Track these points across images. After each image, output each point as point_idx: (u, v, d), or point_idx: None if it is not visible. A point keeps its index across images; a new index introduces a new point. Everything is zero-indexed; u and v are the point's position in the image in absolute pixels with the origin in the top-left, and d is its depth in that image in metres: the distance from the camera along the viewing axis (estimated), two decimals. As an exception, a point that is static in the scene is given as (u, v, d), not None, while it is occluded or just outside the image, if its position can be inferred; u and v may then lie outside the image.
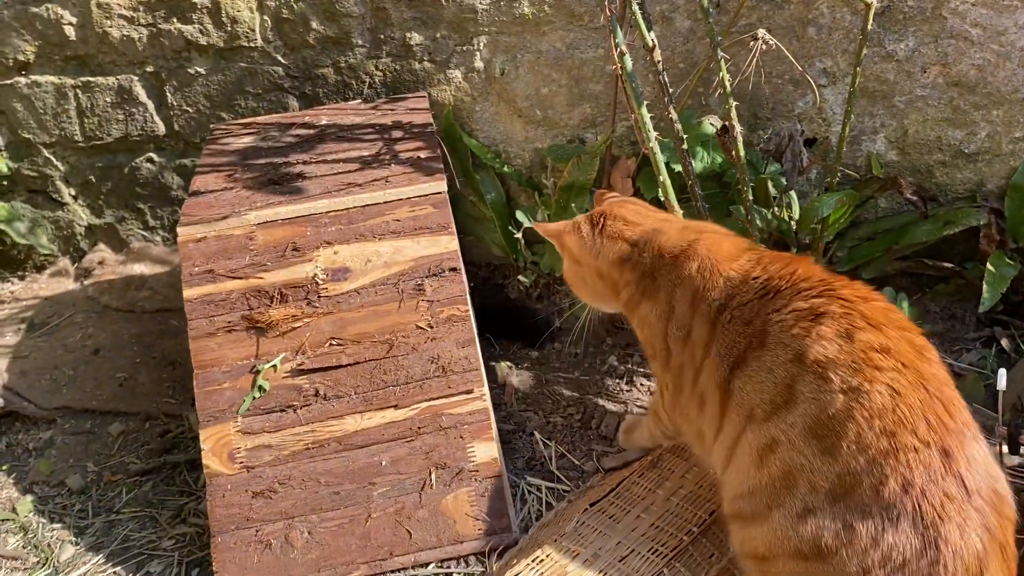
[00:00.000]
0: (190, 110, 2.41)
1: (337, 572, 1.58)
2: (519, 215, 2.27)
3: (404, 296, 1.68)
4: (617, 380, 2.10)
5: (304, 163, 1.88)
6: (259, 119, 2.16)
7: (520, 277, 2.34)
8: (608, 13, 1.57)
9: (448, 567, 1.61)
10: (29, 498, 1.96)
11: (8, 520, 1.91)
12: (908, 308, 2.06)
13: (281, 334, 1.65)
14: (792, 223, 2.02)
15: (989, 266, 1.99)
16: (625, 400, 2.03)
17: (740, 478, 1.34)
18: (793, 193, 2.04)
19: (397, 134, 1.96)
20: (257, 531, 1.58)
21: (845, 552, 1.20)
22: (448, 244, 1.71)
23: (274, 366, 1.64)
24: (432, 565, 1.61)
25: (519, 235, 2.24)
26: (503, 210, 2.32)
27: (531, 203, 2.34)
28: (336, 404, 1.63)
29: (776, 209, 2.00)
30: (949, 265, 2.15)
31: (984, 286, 1.97)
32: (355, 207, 1.72)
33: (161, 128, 2.45)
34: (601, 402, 2.02)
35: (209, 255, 1.68)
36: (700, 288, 1.45)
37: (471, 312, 1.70)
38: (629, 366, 2.13)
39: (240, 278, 1.67)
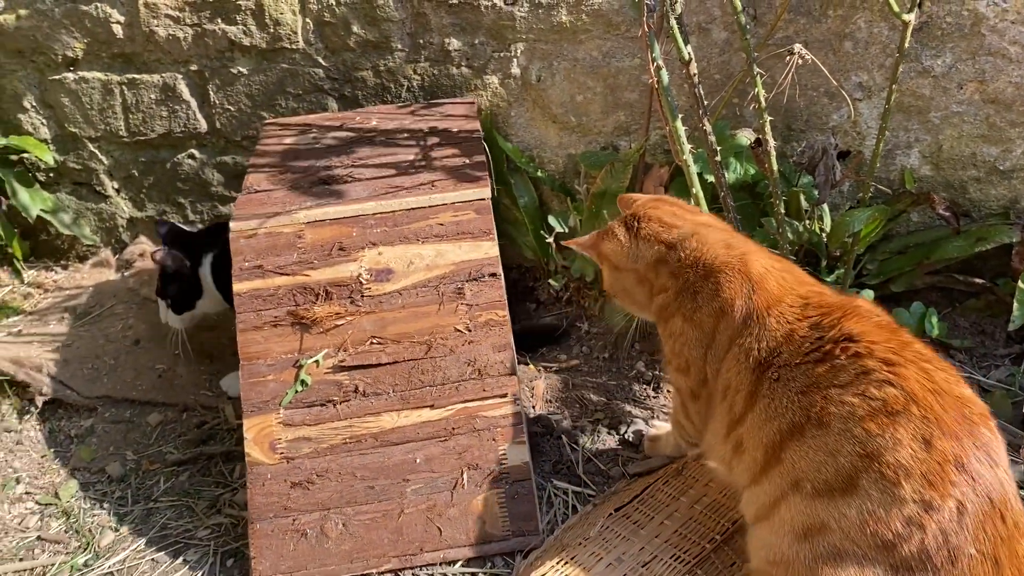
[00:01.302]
0: (232, 109, 2.46)
1: (369, 564, 1.62)
2: (551, 220, 2.30)
3: (444, 299, 1.72)
4: (644, 386, 2.13)
5: (351, 165, 1.92)
6: (308, 118, 2.21)
7: (551, 281, 2.37)
8: (646, 28, 1.60)
9: (473, 566, 1.65)
10: (72, 483, 2.02)
11: (51, 504, 1.97)
12: (938, 323, 2.08)
13: (324, 331, 1.70)
14: (823, 236, 2.04)
15: (1021, 283, 2.01)
16: (651, 406, 2.06)
17: (776, 542, 1.34)
18: (825, 206, 2.06)
19: (443, 139, 2.00)
20: (294, 520, 1.62)
21: None
22: (489, 250, 1.75)
23: (316, 361, 1.68)
24: (459, 563, 1.65)
25: (551, 239, 2.28)
26: (535, 214, 2.35)
27: (563, 208, 2.37)
28: (374, 401, 1.68)
29: (808, 222, 2.02)
30: (980, 281, 2.17)
31: (1015, 304, 1.98)
32: (400, 210, 1.76)
33: (203, 125, 2.51)
34: (628, 407, 2.05)
35: (259, 251, 1.73)
36: (740, 327, 1.43)
37: (508, 317, 1.73)
38: (656, 372, 2.16)
39: (288, 275, 1.72)
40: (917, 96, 2.08)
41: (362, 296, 1.73)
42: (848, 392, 1.29)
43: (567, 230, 2.30)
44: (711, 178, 1.99)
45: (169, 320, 2.20)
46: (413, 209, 1.77)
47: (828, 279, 2.09)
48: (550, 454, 1.92)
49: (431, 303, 1.73)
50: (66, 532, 1.91)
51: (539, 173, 2.33)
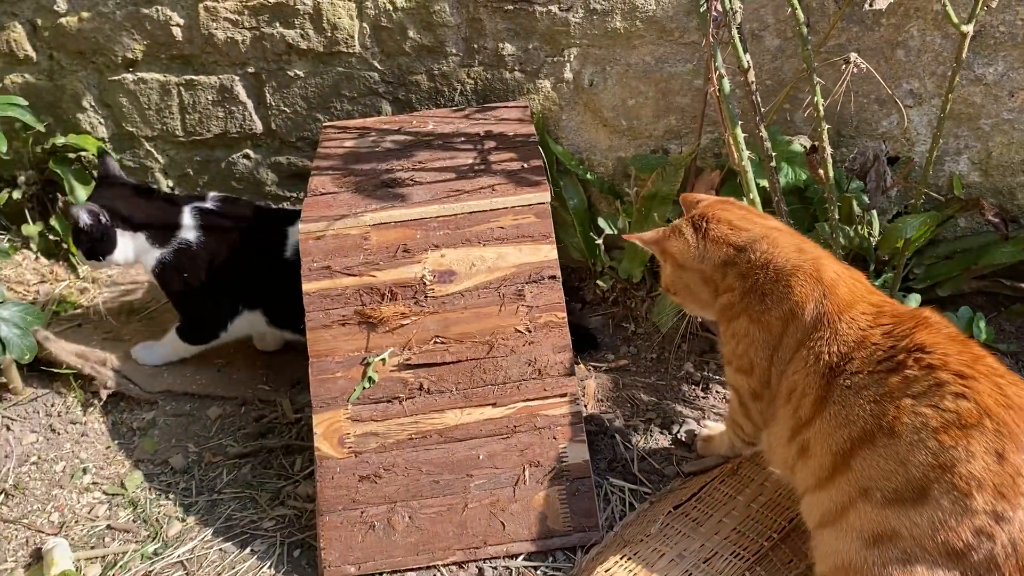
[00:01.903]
0: (287, 110, 2.52)
1: (435, 556, 1.68)
2: (601, 221, 2.35)
3: (505, 300, 1.77)
4: (693, 386, 2.17)
5: (412, 168, 1.97)
6: (366, 122, 2.26)
7: (598, 282, 2.42)
8: (710, 39, 1.64)
9: (535, 560, 1.70)
10: (136, 474, 2.08)
11: (118, 494, 2.04)
12: (986, 328, 2.10)
13: (390, 330, 1.75)
14: (872, 240, 2.07)
15: (1069, 289, 2.03)
16: (701, 407, 2.10)
17: (844, 548, 1.38)
18: (874, 212, 2.09)
19: (500, 143, 2.05)
20: (362, 513, 1.68)
21: None
22: (548, 253, 1.79)
23: (383, 359, 1.74)
24: (521, 557, 1.70)
25: (600, 241, 2.33)
26: (584, 216, 2.40)
27: (611, 210, 2.41)
28: (438, 398, 1.73)
29: (859, 227, 2.05)
30: (1026, 286, 2.19)
31: (1064, 309, 2.00)
32: (462, 213, 1.81)
33: (259, 126, 2.57)
34: (678, 407, 2.09)
35: (327, 252, 1.78)
36: (810, 330, 1.46)
37: (566, 319, 1.78)
38: (705, 373, 2.20)
39: (355, 275, 1.77)
40: (968, 103, 2.11)
41: (426, 297, 1.78)
42: (922, 403, 1.33)
43: (616, 231, 2.34)
44: (763, 182, 2.03)
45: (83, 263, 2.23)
46: (474, 212, 1.82)
47: (875, 283, 2.12)
48: (605, 452, 1.96)
49: (492, 304, 1.78)
50: (134, 522, 1.97)
51: (588, 176, 2.37)
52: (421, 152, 2.06)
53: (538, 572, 1.68)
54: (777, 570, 1.55)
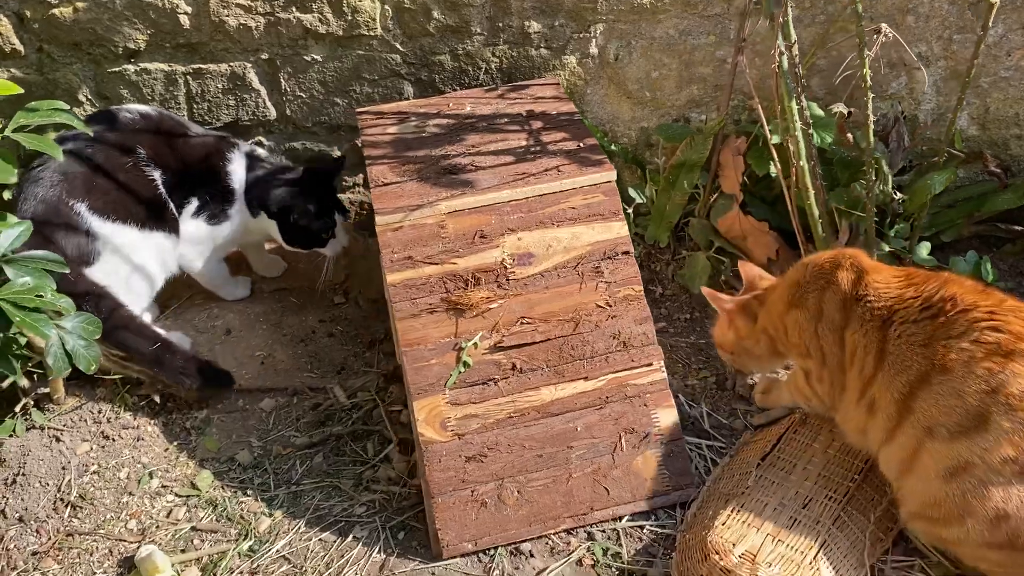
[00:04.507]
0: (303, 95, 2.49)
1: (547, 526, 1.77)
2: (631, 191, 2.43)
3: (584, 278, 1.85)
4: (733, 342, 2.30)
5: (468, 153, 2.00)
6: (400, 105, 2.27)
7: (628, 248, 2.51)
8: (780, 20, 1.73)
9: (639, 520, 1.82)
10: (205, 473, 2.08)
11: (192, 495, 2.04)
12: (991, 270, 2.30)
13: (477, 314, 1.81)
14: (894, 196, 2.23)
15: (1065, 230, 2.25)
16: (746, 361, 2.24)
17: (925, 488, 1.56)
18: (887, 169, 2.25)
19: (546, 123, 2.10)
20: (472, 491, 1.75)
21: None
22: (620, 229, 1.87)
23: (475, 344, 1.79)
24: (626, 519, 1.81)
25: (630, 210, 2.42)
26: (611, 186, 2.48)
27: (635, 179, 2.50)
28: (532, 377, 1.80)
29: (882, 185, 2.20)
30: (1019, 228, 2.40)
31: (1064, 248, 2.22)
32: (533, 196, 1.87)
33: (272, 113, 2.53)
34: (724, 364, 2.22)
35: (406, 243, 1.81)
36: (850, 294, 1.67)
37: (643, 291, 1.87)
38: (741, 329, 2.34)
39: (436, 264, 1.81)
40: (971, 63, 2.27)
41: (507, 280, 1.83)
42: (964, 340, 1.53)
43: (645, 200, 2.44)
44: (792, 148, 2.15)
45: None
46: (545, 195, 1.88)
47: (890, 233, 2.30)
48: (674, 412, 2.08)
49: (572, 283, 1.85)
50: (217, 521, 1.98)
51: (612, 147, 2.45)
52: (470, 136, 2.09)
53: (644, 531, 1.80)
54: (865, 508, 1.71)
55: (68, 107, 1.89)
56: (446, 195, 1.86)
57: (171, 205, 2.23)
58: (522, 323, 1.82)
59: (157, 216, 2.20)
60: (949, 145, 2.39)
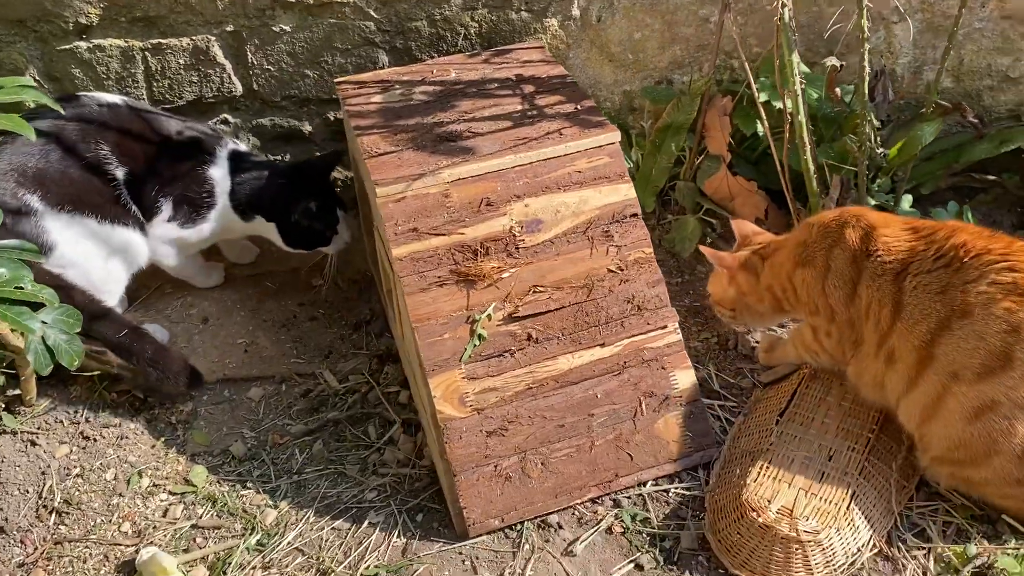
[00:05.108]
0: (271, 69, 2.37)
1: (573, 496, 1.73)
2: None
3: (595, 243, 1.81)
4: (727, 303, 2.30)
5: (462, 120, 1.93)
6: (380, 74, 2.17)
7: (614, 215, 2.47)
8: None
9: (663, 483, 1.80)
10: (199, 469, 1.98)
11: (188, 492, 1.94)
12: (972, 218, 2.35)
13: (488, 285, 1.75)
14: (880, 149, 2.25)
15: (1041, 176, 2.30)
16: (743, 320, 2.23)
17: (950, 432, 1.58)
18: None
19: (539, 86, 2.04)
20: (496, 466, 1.70)
21: None
22: (627, 192, 1.84)
23: (488, 315, 1.73)
24: (650, 483, 1.79)
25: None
26: (594, 152, 2.43)
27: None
28: (548, 346, 1.76)
29: (874, 138, 2.21)
30: (992, 177, 2.46)
31: (1041, 195, 2.28)
32: (538, 160, 1.81)
33: (239, 88, 2.41)
34: (723, 324, 2.21)
35: (410, 214, 1.74)
36: (864, 251, 1.67)
37: (653, 254, 1.84)
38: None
39: (443, 234, 1.74)
40: (947, 16, 2.30)
41: (517, 248, 1.78)
42: (981, 284, 1.54)
43: (631, 164, 2.40)
44: (778, 105, 2.15)
45: None
46: (550, 159, 1.83)
47: (874, 186, 2.32)
48: (680, 375, 2.06)
49: (583, 248, 1.81)
50: (219, 516, 1.88)
51: (596, 111, 2.40)
52: (462, 102, 2.02)
53: (670, 494, 1.78)
54: (886, 457, 1.72)
55: (35, 84, 1.75)
56: (447, 163, 1.79)
57: (133, 208, 2.09)
58: (535, 292, 1.77)
59: (117, 213, 2.06)
60: (923, 96, 2.43)
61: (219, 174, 2.15)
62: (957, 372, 1.56)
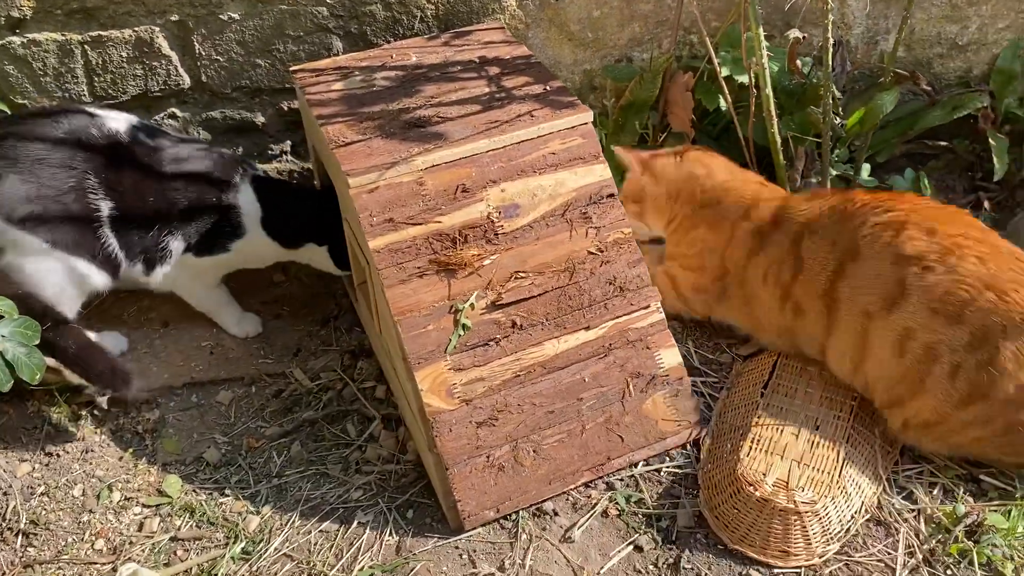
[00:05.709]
0: (221, 59, 2.28)
1: (566, 482, 1.71)
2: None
3: (573, 225, 1.78)
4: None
5: (430, 105, 1.88)
6: (338, 60, 2.10)
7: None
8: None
9: (654, 463, 1.79)
10: (172, 478, 1.91)
11: (163, 504, 1.86)
12: (928, 184, 2.40)
13: (470, 273, 1.71)
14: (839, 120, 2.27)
15: (992, 140, 2.36)
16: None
17: (884, 370, 1.67)
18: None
19: (504, 68, 2.00)
20: (488, 457, 1.67)
21: (999, 380, 1.52)
22: (603, 172, 1.81)
23: (471, 304, 1.70)
24: (641, 463, 1.78)
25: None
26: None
27: (580, 124, 2.44)
28: (533, 332, 1.73)
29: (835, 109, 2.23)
30: (944, 143, 2.51)
31: (994, 158, 2.34)
32: (511, 144, 1.77)
33: (186, 81, 2.31)
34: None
35: (384, 204, 1.69)
36: (765, 220, 1.86)
37: (633, 233, 1.82)
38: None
39: (420, 224, 1.70)
40: (898, -14, 2.34)
41: (496, 235, 1.75)
42: (864, 228, 1.69)
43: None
44: (742, 79, 2.15)
45: None
46: (523, 142, 1.79)
47: (832, 156, 2.35)
48: (659, 354, 2.05)
49: (562, 231, 1.78)
50: (198, 527, 1.82)
51: (556, 92, 2.37)
52: (426, 87, 1.96)
53: (661, 473, 1.78)
54: (869, 423, 1.75)
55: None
56: (419, 150, 1.74)
57: (114, 245, 1.94)
58: (517, 278, 1.74)
59: (87, 245, 1.91)
60: (877, 66, 2.46)
61: (244, 201, 2.02)
62: (867, 309, 1.67)
